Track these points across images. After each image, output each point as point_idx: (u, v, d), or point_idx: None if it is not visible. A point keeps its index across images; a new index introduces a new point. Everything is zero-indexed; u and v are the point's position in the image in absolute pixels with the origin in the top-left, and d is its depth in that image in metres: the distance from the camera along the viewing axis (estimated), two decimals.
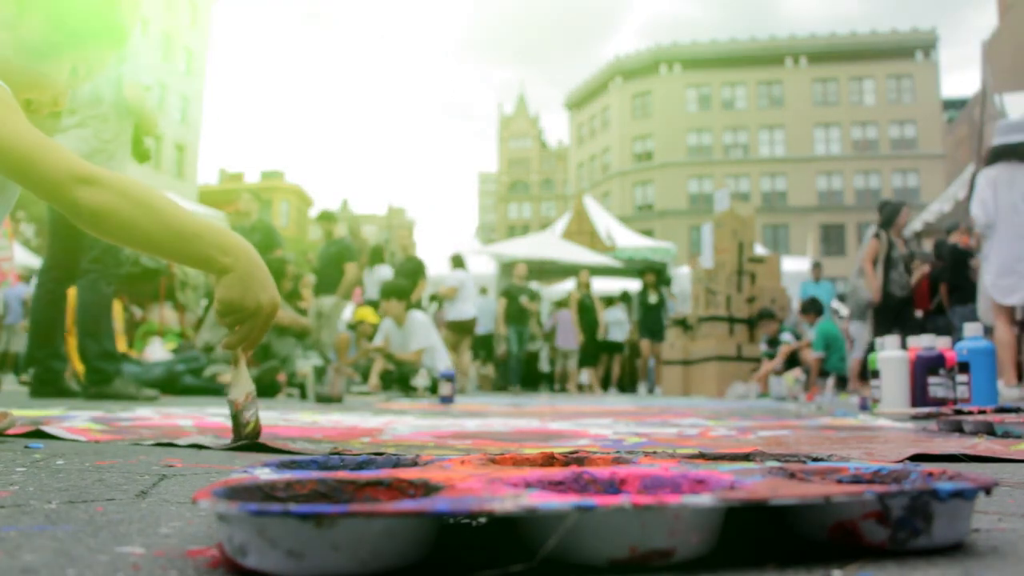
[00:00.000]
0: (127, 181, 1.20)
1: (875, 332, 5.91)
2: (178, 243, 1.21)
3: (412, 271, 8.95)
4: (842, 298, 16.71)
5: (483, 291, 13.66)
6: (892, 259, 6.16)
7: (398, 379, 6.68)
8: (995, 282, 4.93)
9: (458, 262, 9.70)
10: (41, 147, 1.16)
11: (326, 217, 8.59)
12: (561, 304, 12.65)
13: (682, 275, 12.07)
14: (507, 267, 14.62)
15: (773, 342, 8.58)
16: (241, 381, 1.39)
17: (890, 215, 6.29)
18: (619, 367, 11.99)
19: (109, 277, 4.08)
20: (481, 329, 12.20)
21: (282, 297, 6.19)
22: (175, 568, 0.53)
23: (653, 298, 11.12)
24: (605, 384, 11.52)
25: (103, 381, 3.94)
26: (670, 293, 12.74)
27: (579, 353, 11.20)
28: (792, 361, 8.11)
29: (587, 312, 11.00)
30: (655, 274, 11.33)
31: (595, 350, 11.22)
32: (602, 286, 13.54)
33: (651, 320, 11.20)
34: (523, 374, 12.18)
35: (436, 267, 16.57)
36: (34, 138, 1.17)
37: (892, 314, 6.09)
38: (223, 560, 0.53)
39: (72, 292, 4.25)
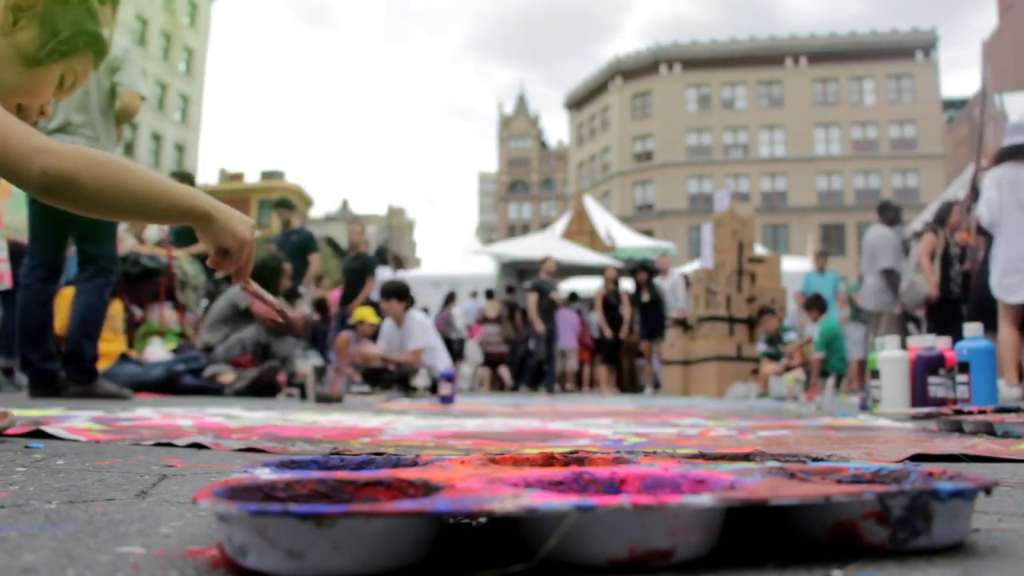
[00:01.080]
0: (88, 149, 1.20)
1: (935, 329, 5.89)
2: (152, 200, 1.20)
3: (359, 269, 8.71)
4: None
5: (473, 294, 13.58)
6: (949, 256, 6.21)
7: (398, 379, 6.68)
8: (1000, 281, 4.91)
9: (398, 262, 9.45)
10: (3, 123, 1.15)
11: (285, 204, 8.04)
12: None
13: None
14: (507, 267, 14.62)
15: (772, 340, 8.58)
16: (265, 296, 1.40)
17: (943, 214, 6.39)
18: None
19: (111, 283, 4.16)
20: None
21: (282, 297, 6.20)
22: (175, 568, 0.53)
23: (645, 296, 10.95)
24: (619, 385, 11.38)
25: (90, 381, 4.05)
26: None
27: (602, 351, 11.04)
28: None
29: (612, 309, 10.79)
30: (648, 272, 11.14)
31: (619, 349, 11.04)
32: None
33: (646, 319, 11.04)
34: (520, 374, 12.11)
35: (438, 267, 16.63)
36: None
37: (952, 310, 6.13)
38: (223, 560, 0.53)
39: (68, 293, 4.26)
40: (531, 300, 10.42)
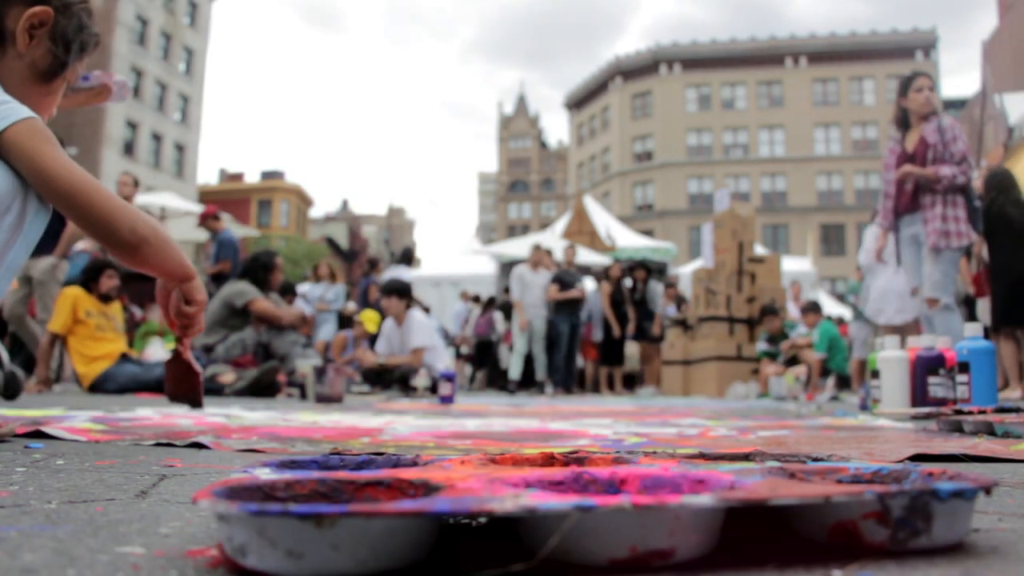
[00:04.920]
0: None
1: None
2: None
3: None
4: (842, 298, 16.57)
5: (476, 299, 13.47)
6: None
7: (398, 379, 6.68)
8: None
9: (373, 265, 9.17)
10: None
11: None
12: None
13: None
14: (507, 267, 14.56)
15: (773, 339, 8.58)
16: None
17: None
18: None
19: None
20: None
21: (276, 293, 6.18)
22: (175, 568, 0.53)
23: (638, 296, 10.80)
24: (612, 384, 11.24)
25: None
26: None
27: (603, 350, 10.85)
28: (794, 359, 8.13)
29: (618, 307, 10.47)
30: (646, 271, 10.97)
31: (622, 348, 10.87)
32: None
33: (644, 319, 10.85)
34: (522, 374, 12.04)
35: (438, 267, 16.61)
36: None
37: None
38: (223, 560, 0.53)
39: (68, 292, 4.26)
40: (551, 292, 9.84)
